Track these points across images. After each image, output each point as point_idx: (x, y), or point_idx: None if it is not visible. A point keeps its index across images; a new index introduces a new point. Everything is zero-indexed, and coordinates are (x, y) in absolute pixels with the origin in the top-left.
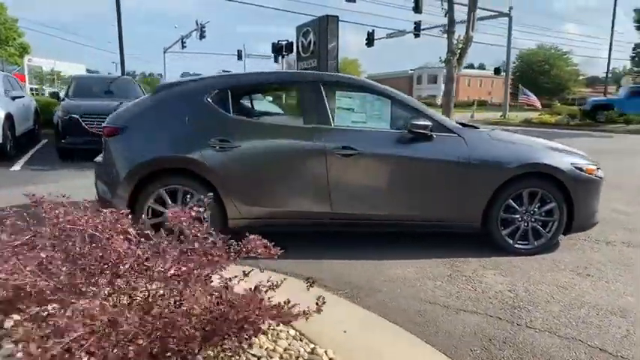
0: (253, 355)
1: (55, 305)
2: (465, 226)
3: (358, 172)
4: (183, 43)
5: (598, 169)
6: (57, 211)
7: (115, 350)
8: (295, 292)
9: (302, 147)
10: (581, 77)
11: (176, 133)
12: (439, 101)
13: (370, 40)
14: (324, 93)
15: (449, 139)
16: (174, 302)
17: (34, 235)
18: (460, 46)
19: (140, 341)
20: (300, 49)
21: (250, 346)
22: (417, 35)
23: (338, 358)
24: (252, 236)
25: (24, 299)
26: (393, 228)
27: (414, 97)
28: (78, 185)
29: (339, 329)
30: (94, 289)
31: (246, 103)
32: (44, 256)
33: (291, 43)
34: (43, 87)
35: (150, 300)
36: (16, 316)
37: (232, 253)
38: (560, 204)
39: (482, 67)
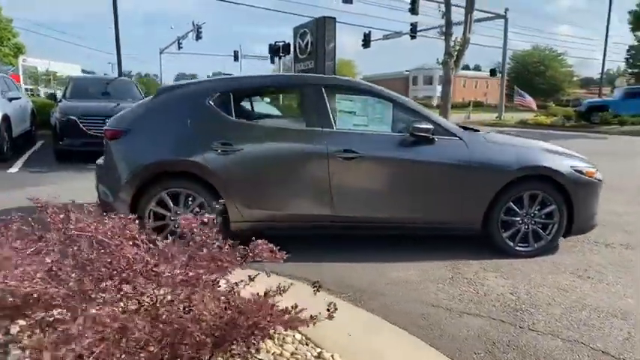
0: None
1: (60, 310)
2: (466, 229)
3: (360, 175)
4: (179, 43)
5: (597, 171)
6: (65, 217)
7: (125, 357)
8: (301, 296)
9: (304, 150)
10: (575, 78)
11: (178, 136)
12: (434, 102)
13: (366, 42)
14: (325, 96)
15: (450, 142)
16: (184, 308)
17: (40, 241)
18: (457, 48)
19: (151, 348)
20: (298, 50)
21: (258, 350)
22: (413, 37)
23: None
24: (258, 241)
25: (32, 305)
26: (395, 230)
27: (410, 98)
28: (77, 187)
29: (343, 333)
30: (104, 295)
31: (247, 105)
32: (50, 261)
33: (289, 44)
34: (38, 87)
35: (158, 306)
36: (22, 322)
37: (239, 258)
38: (560, 206)
39: (477, 68)
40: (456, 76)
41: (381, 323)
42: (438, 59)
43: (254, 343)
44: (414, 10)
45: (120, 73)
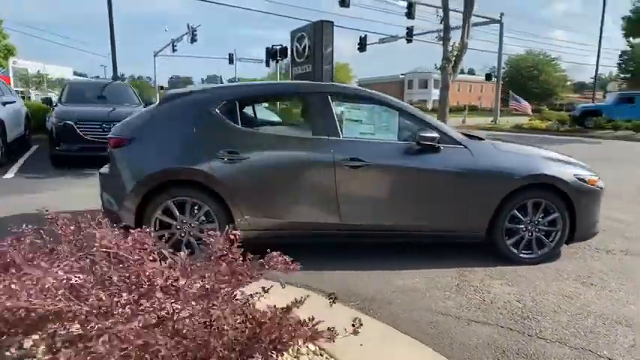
0: None
1: (79, 326)
2: (472, 237)
3: (366, 184)
4: (174, 46)
5: (599, 179)
6: (76, 228)
7: None
8: (314, 306)
9: (311, 158)
10: (569, 83)
11: (184, 145)
12: (429, 106)
13: (362, 45)
14: (332, 104)
15: (455, 151)
16: (204, 323)
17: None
18: (455, 53)
19: None
20: (295, 54)
21: None
22: (409, 41)
23: None
24: (273, 253)
25: (50, 322)
26: (401, 238)
27: (405, 102)
28: (76, 194)
29: (355, 342)
30: (127, 310)
31: (253, 113)
32: (70, 277)
33: (286, 48)
34: (29, 90)
35: (178, 320)
36: (35, 336)
37: (255, 271)
38: (563, 214)
39: (471, 72)
40: (452, 81)
41: (392, 332)
42: (435, 64)
43: (271, 355)
44: (410, 14)
45: (115, 76)
